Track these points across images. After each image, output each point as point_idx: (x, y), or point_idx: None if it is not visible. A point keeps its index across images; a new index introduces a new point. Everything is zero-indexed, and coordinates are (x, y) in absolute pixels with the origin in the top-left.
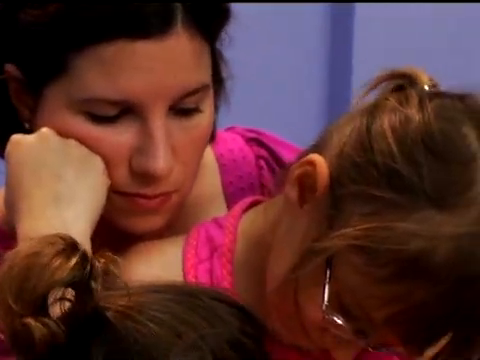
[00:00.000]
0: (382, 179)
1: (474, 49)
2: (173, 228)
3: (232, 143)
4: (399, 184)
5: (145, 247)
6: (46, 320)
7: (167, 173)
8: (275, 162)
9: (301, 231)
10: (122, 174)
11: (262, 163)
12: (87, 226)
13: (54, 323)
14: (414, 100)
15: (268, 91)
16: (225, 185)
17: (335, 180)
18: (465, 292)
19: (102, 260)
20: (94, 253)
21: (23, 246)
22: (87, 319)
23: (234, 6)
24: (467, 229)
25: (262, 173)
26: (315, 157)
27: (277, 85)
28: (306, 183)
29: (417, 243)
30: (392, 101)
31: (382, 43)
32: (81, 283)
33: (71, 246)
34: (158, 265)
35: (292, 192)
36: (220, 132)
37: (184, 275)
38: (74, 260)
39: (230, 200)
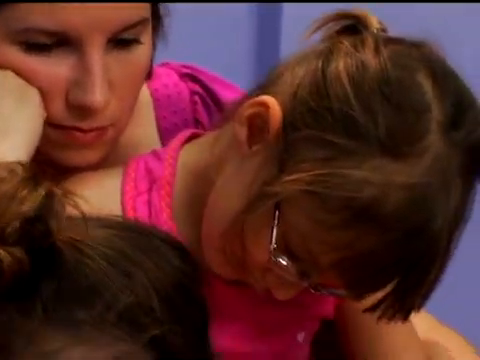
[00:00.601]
0: (337, 125)
1: None
2: (108, 163)
3: (167, 78)
4: (354, 131)
5: (83, 179)
6: (12, 249)
7: (103, 107)
8: (210, 98)
9: (250, 173)
10: (58, 107)
11: (196, 99)
12: (23, 158)
13: (19, 251)
14: (370, 45)
15: None
16: (159, 120)
17: (288, 123)
18: (413, 242)
19: (59, 191)
20: None
21: None
22: (43, 251)
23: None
24: (418, 179)
25: (196, 108)
26: (268, 99)
27: None
28: (257, 124)
29: (369, 191)
30: (347, 44)
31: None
32: (45, 215)
33: (35, 176)
34: (96, 197)
35: (241, 132)
36: (155, 67)
37: (122, 207)
38: (42, 191)
39: (164, 135)
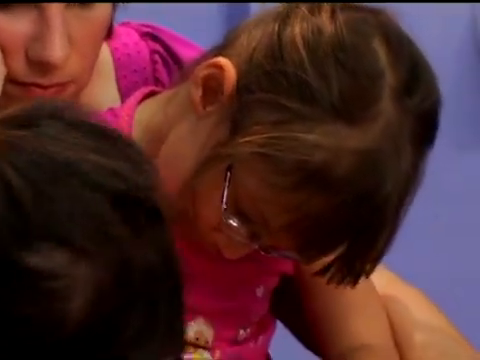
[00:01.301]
0: (292, 89)
1: None
2: None
3: (126, 37)
4: (308, 95)
5: None
6: None
7: (62, 62)
8: (170, 57)
9: (204, 134)
10: (18, 63)
11: (156, 58)
12: None
13: None
14: (326, 10)
15: None
16: (119, 79)
17: (243, 86)
18: (362, 206)
19: None
20: None
21: None
22: None
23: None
24: (370, 144)
25: (156, 67)
26: (223, 61)
27: None
28: (211, 85)
29: (321, 155)
30: (303, 9)
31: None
32: None
33: None
34: None
35: (196, 93)
36: (115, 27)
37: None
38: None
39: (124, 94)
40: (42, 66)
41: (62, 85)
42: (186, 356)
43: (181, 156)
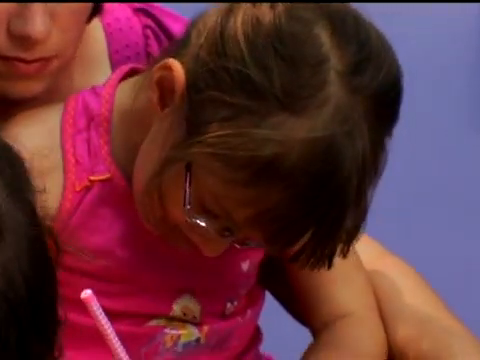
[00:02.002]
0: (235, 85)
1: None
2: (59, 91)
3: (119, 12)
4: (251, 90)
5: (26, 116)
6: None
7: (44, 37)
8: (162, 32)
9: (162, 136)
10: (0, 38)
11: (149, 33)
12: None
13: None
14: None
15: None
16: (111, 54)
17: (191, 85)
18: (319, 194)
19: None
20: None
21: None
22: None
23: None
24: (320, 132)
25: (149, 42)
26: (171, 62)
27: None
28: (165, 87)
29: (270, 148)
30: (247, 3)
31: None
32: None
33: None
34: (39, 135)
35: (154, 95)
36: (107, 3)
37: (62, 145)
38: None
39: (116, 69)
40: (24, 40)
41: (46, 60)
42: (174, 331)
43: (146, 158)
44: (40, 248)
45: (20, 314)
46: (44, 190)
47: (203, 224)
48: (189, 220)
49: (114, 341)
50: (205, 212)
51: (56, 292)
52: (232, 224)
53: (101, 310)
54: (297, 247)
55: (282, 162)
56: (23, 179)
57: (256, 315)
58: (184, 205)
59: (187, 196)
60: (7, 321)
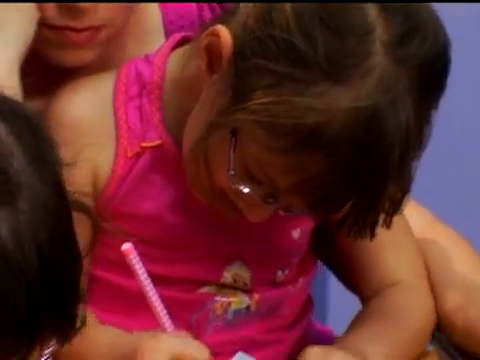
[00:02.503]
0: (280, 53)
1: None
2: (111, 61)
3: None
4: (295, 58)
5: (79, 83)
6: None
7: (90, 6)
8: (217, 2)
9: (210, 101)
10: (50, 7)
11: (203, 3)
12: (14, 54)
13: None
14: None
15: None
16: (166, 24)
17: (238, 52)
18: (361, 163)
19: None
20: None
21: None
22: None
23: None
24: (363, 102)
25: (203, 13)
26: (219, 28)
27: None
28: (213, 53)
29: (313, 117)
30: None
31: None
32: None
33: None
34: (90, 100)
35: (202, 61)
36: None
37: (114, 112)
38: None
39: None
40: (72, 10)
41: (95, 29)
42: (225, 299)
43: (195, 123)
44: (60, 222)
45: (31, 283)
46: (74, 163)
47: (247, 190)
48: (233, 186)
49: (154, 298)
50: (249, 178)
51: (78, 269)
52: (275, 190)
53: (141, 264)
54: (340, 215)
55: (325, 131)
56: (47, 150)
57: (308, 284)
58: (228, 170)
59: (231, 162)
60: (18, 287)
